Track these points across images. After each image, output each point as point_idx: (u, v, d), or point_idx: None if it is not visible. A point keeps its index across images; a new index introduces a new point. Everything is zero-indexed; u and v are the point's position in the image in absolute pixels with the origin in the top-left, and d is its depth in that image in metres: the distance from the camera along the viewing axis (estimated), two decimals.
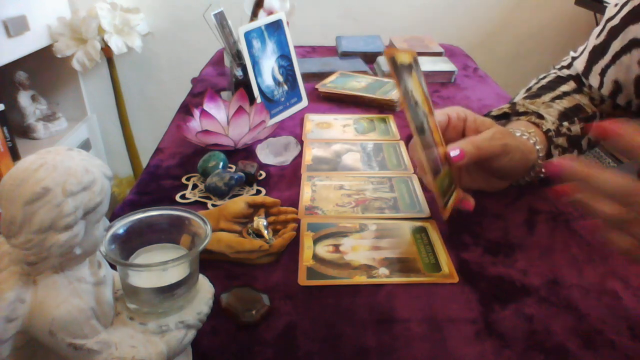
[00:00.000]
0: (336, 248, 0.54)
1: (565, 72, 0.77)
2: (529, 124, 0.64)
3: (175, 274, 0.36)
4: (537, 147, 0.60)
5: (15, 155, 1.49)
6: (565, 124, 0.65)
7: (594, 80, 0.71)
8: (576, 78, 0.75)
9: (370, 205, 0.61)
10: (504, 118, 0.70)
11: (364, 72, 1.06)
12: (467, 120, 0.58)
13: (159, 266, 0.34)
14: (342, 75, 1.04)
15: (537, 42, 1.87)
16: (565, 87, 0.73)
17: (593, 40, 0.72)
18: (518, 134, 0.60)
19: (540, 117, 0.64)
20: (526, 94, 0.74)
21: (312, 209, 0.60)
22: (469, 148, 0.52)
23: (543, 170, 0.62)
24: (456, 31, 1.80)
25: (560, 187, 0.40)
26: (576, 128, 0.66)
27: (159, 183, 0.67)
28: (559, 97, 0.70)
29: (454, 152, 0.52)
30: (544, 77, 0.77)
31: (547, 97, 0.70)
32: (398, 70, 0.46)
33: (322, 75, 1.04)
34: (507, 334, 0.43)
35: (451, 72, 1.09)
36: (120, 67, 1.85)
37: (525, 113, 0.66)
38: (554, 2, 1.80)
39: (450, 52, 1.29)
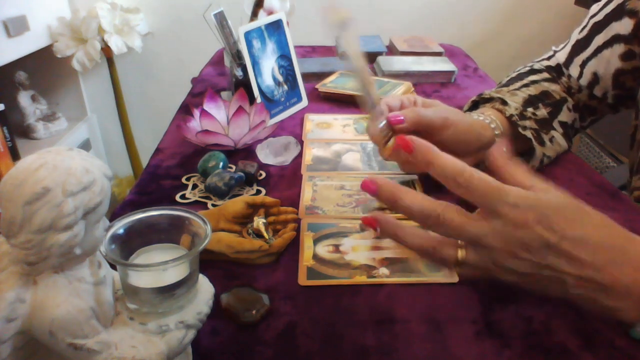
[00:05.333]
0: (336, 248, 0.54)
1: (545, 63, 0.80)
2: (488, 109, 0.67)
3: (175, 274, 0.36)
4: (492, 126, 0.63)
5: (15, 155, 1.49)
6: (530, 109, 0.68)
7: (574, 70, 0.74)
8: (555, 68, 0.78)
9: (370, 205, 0.61)
10: (474, 108, 0.72)
11: None
12: (417, 102, 0.62)
13: (159, 266, 0.34)
14: (342, 75, 1.04)
15: (537, 42, 1.86)
16: (534, 77, 0.75)
17: (576, 35, 0.76)
18: (475, 117, 0.64)
19: (504, 103, 0.67)
20: (497, 86, 0.77)
21: (312, 209, 0.60)
22: (408, 113, 0.56)
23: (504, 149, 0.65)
24: (456, 31, 1.80)
25: (367, 218, 0.41)
26: (542, 112, 0.69)
27: (159, 183, 0.67)
28: (526, 85, 0.73)
29: (395, 118, 0.56)
30: (518, 70, 0.80)
31: (513, 87, 0.73)
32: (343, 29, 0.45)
33: (322, 75, 1.04)
34: (507, 334, 0.43)
35: (451, 72, 1.09)
36: (120, 67, 1.85)
37: (490, 99, 0.69)
38: (554, 2, 1.80)
39: (450, 52, 1.29)
